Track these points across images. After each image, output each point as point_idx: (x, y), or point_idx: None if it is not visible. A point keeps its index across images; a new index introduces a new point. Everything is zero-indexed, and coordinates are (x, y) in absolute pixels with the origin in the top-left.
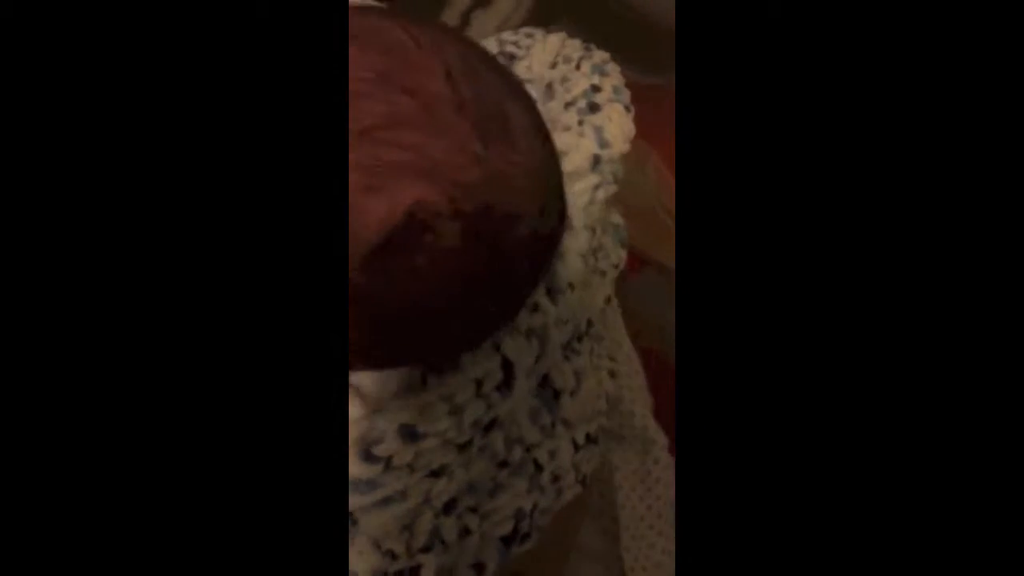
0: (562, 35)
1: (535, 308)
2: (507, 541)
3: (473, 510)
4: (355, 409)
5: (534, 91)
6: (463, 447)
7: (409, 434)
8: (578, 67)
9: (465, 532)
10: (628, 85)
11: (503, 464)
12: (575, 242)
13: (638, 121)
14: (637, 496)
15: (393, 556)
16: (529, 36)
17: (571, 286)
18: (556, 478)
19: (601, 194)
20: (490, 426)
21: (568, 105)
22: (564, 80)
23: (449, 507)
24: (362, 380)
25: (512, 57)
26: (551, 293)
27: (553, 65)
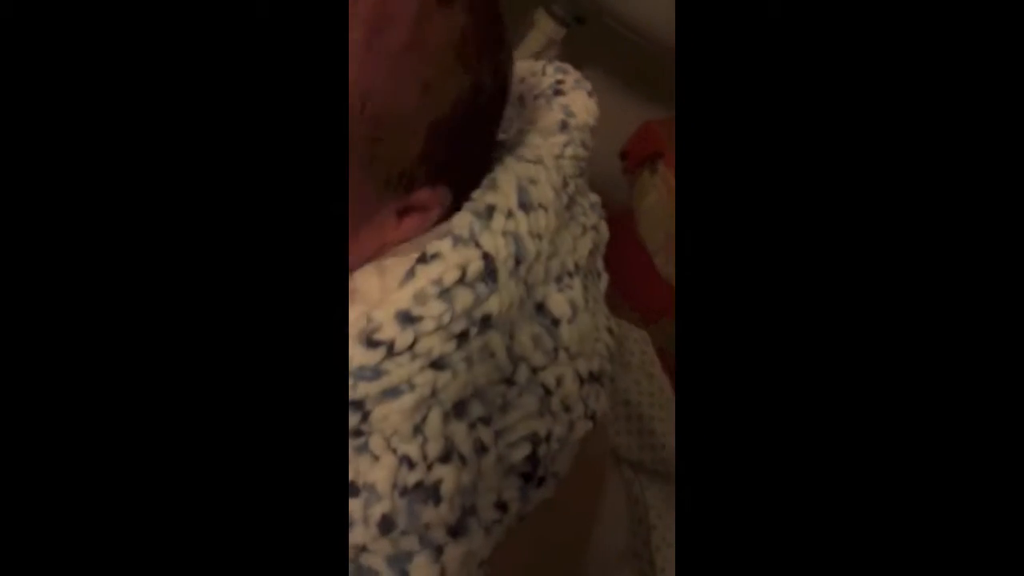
0: (531, 60)
1: (508, 214)
2: (526, 478)
3: (486, 422)
4: (355, 310)
5: (509, 111)
6: (461, 339)
7: (406, 318)
8: (543, 72)
9: (481, 448)
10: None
11: (511, 382)
12: (545, 173)
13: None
14: (672, 535)
15: (410, 463)
16: None
17: (542, 207)
18: (567, 408)
19: (569, 151)
20: (485, 323)
21: (536, 97)
22: (532, 87)
23: (460, 410)
24: (359, 282)
25: None
26: (523, 207)
27: (522, 80)
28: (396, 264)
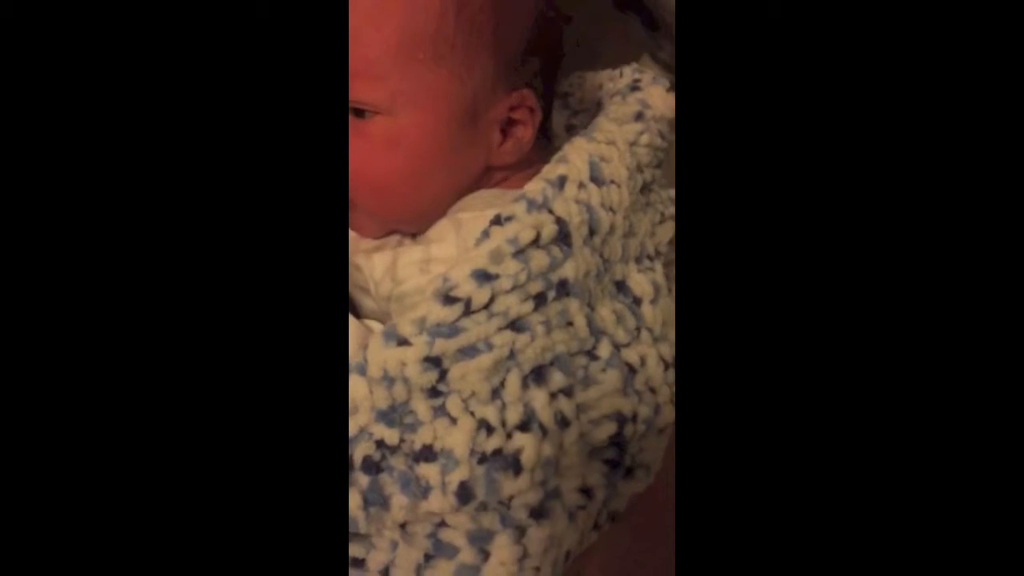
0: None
1: (580, 185)
2: (612, 465)
3: (567, 394)
4: (436, 271)
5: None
6: (538, 300)
7: (482, 276)
8: (620, 75)
9: (563, 421)
10: None
11: (593, 356)
12: (617, 154)
13: None
14: None
15: (488, 428)
16: (580, 76)
17: (614, 183)
18: (652, 390)
19: (645, 139)
20: (562, 288)
21: (613, 95)
22: (609, 90)
23: (539, 376)
24: (435, 233)
25: (566, 95)
26: (595, 180)
27: (600, 86)
28: (472, 220)
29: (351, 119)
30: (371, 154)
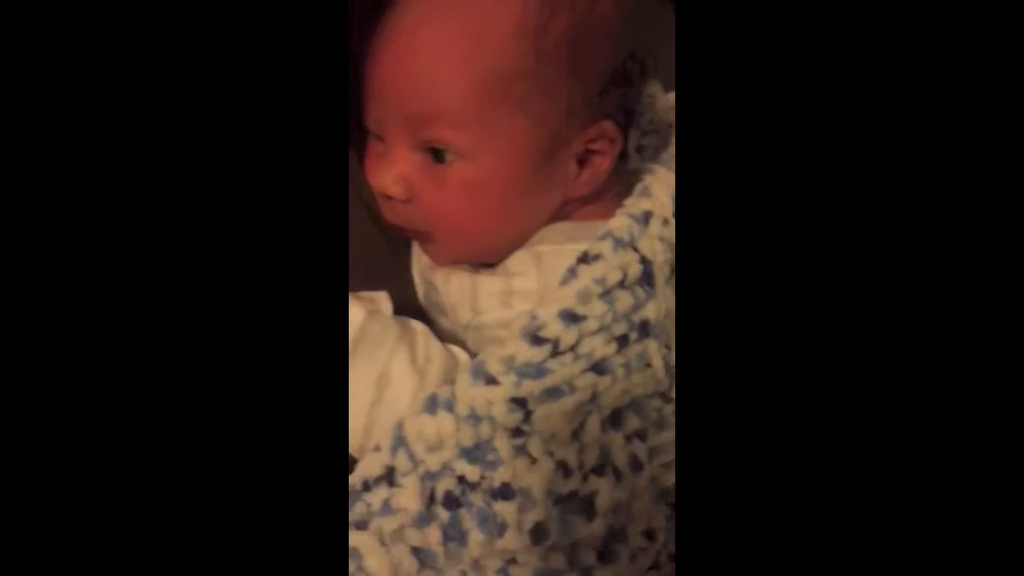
0: None
1: (664, 222)
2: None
3: (641, 437)
4: (518, 306)
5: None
6: (621, 342)
7: (570, 317)
8: None
9: (636, 464)
10: None
11: (667, 398)
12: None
13: None
14: None
15: (566, 471)
16: (651, 96)
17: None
18: None
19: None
20: (644, 329)
21: None
22: None
23: (616, 419)
24: (515, 266)
25: (638, 115)
26: (666, 221)
27: (671, 108)
28: (552, 254)
29: (427, 161)
30: (450, 199)
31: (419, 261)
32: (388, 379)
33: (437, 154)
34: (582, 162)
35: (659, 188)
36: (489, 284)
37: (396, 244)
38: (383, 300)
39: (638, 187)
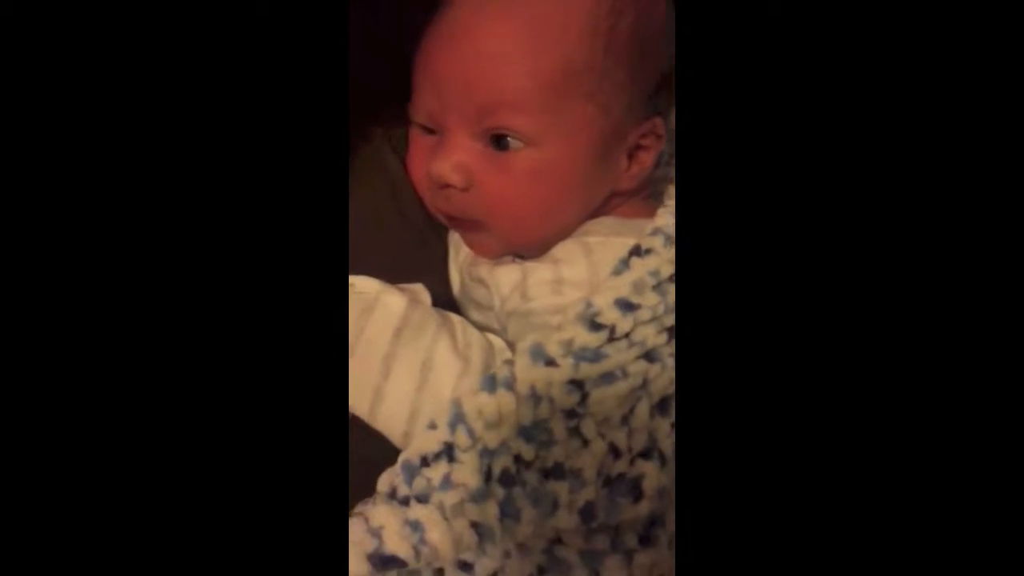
0: None
1: None
2: None
3: None
4: (570, 293)
5: None
6: (671, 334)
7: (626, 305)
8: None
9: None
10: None
11: None
12: None
13: None
14: None
15: (616, 453)
16: None
17: None
18: None
19: None
20: None
21: None
22: None
23: (663, 406)
24: (562, 254)
25: None
26: None
27: None
28: (601, 246)
29: (494, 154)
30: (514, 186)
31: (458, 256)
32: (431, 365)
33: (500, 142)
34: (631, 156)
35: None
36: (539, 272)
37: (427, 239)
38: (421, 291)
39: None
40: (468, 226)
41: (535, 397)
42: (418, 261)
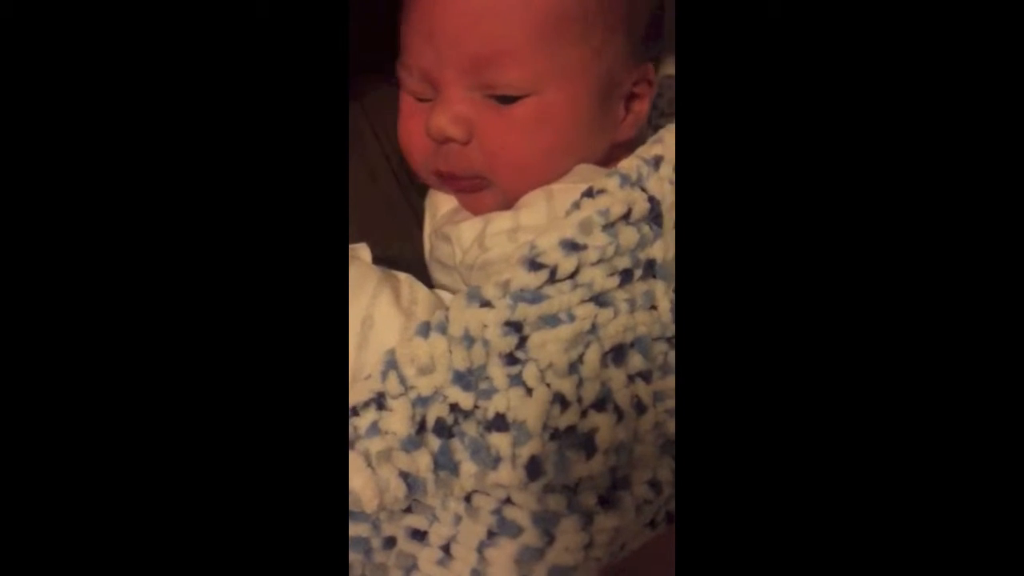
0: None
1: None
2: None
3: (646, 379)
4: (503, 222)
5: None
6: (624, 277)
7: (570, 246)
8: None
9: (639, 405)
10: None
11: (674, 344)
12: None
13: None
14: None
15: (563, 403)
16: (670, 77)
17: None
18: None
19: None
20: (649, 268)
21: None
22: None
23: (618, 355)
24: (527, 201)
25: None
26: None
27: None
28: (563, 192)
29: (494, 105)
30: (520, 135)
31: (432, 219)
32: (372, 322)
33: (504, 99)
34: (627, 105)
35: (672, 137)
36: (499, 222)
37: (399, 209)
38: (362, 249)
39: (652, 137)
40: (468, 185)
41: (468, 339)
42: (392, 229)
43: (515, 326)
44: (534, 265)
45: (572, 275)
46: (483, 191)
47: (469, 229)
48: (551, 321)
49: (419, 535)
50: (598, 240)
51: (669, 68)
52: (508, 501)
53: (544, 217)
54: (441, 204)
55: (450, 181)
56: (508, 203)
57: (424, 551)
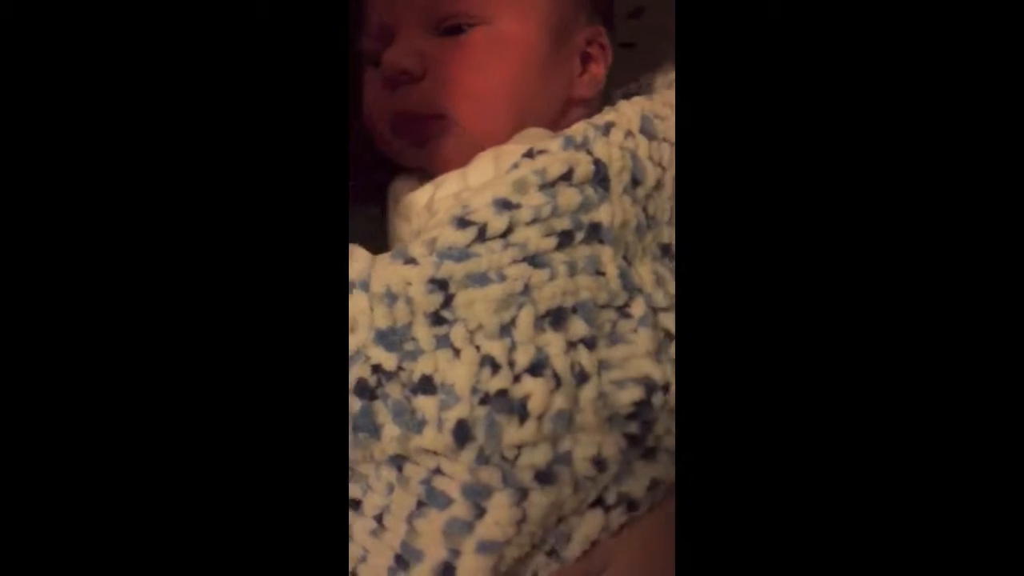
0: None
1: (628, 134)
2: (632, 441)
3: (588, 346)
4: (451, 185)
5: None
6: (563, 239)
7: (503, 204)
8: None
9: (581, 374)
10: None
11: (625, 313)
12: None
13: None
14: None
15: (493, 366)
16: (650, 76)
17: (667, 142)
18: None
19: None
20: (594, 232)
21: None
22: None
23: (557, 319)
24: (474, 164)
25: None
26: (645, 133)
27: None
28: (510, 153)
29: (447, 38)
30: (474, 64)
31: (395, 207)
32: None
33: (455, 29)
34: (584, 66)
35: (628, 107)
36: (447, 185)
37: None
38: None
39: (607, 107)
40: (432, 127)
41: (391, 296)
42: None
43: (440, 283)
44: (462, 223)
45: (504, 234)
46: (445, 136)
47: (421, 195)
48: (480, 280)
49: (354, 504)
50: (533, 200)
51: (669, 71)
52: (439, 471)
53: (491, 177)
54: (401, 193)
55: (411, 128)
56: (472, 150)
57: (359, 521)
